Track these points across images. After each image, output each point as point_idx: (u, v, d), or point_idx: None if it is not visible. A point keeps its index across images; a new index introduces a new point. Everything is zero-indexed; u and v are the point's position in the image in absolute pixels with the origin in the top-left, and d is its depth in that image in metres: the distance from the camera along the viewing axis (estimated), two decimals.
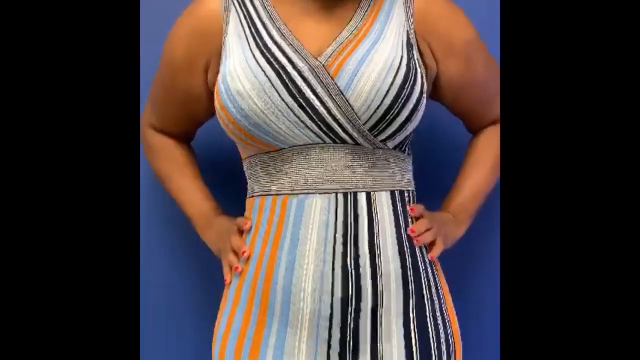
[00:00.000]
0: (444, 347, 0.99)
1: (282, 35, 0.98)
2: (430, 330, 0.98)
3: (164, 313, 1.27)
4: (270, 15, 1.00)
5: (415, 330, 0.97)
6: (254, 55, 0.96)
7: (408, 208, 1.01)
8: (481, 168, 1.12)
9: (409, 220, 1.01)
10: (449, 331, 1.01)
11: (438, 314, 1.00)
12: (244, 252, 1.00)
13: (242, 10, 1.01)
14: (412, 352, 0.96)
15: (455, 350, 1.01)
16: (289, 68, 0.95)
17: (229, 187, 1.13)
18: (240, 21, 1.01)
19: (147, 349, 1.25)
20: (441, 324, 1.00)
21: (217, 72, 1.00)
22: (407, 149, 1.04)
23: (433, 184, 1.11)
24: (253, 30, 0.99)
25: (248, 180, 1.05)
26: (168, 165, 1.14)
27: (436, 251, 1.03)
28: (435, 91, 1.07)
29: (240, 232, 1.03)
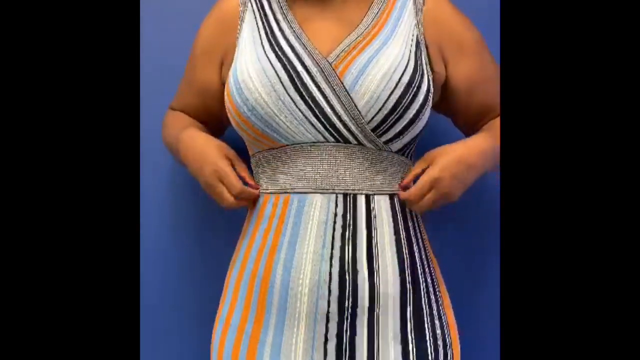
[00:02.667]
0: (440, 348, 0.98)
1: (294, 33, 1.01)
2: (427, 330, 0.98)
3: (164, 313, 1.27)
4: (285, 15, 1.03)
5: (412, 329, 0.97)
6: (264, 51, 0.99)
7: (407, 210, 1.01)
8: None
9: (408, 224, 1.01)
10: (446, 332, 1.00)
11: (436, 315, 1.00)
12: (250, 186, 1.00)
13: (257, 8, 1.05)
14: (409, 350, 0.96)
15: (452, 352, 1.00)
16: (297, 65, 0.97)
17: None
18: (256, 19, 1.04)
19: (147, 348, 1.25)
20: (438, 325, 1.00)
21: (230, 68, 1.02)
22: (410, 154, 1.04)
23: None
24: (267, 28, 1.03)
25: (254, 178, 1.05)
26: (171, 124, 1.14)
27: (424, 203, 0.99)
28: (446, 97, 1.07)
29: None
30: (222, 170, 0.99)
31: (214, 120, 1.12)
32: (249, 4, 1.06)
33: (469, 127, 1.12)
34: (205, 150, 1.01)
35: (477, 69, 1.05)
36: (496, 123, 1.07)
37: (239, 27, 1.05)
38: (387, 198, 1.00)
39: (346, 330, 0.95)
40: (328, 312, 0.95)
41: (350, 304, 0.95)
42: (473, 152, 0.99)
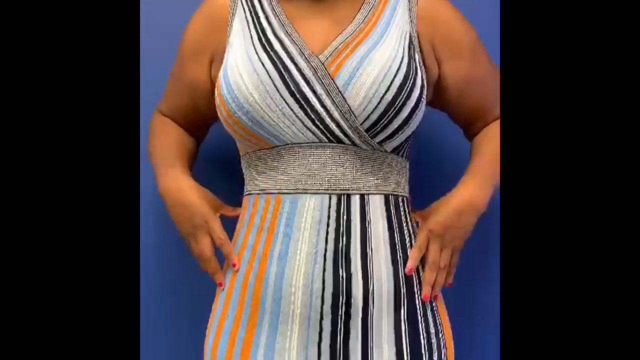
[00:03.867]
0: (435, 349, 0.98)
1: (286, 32, 0.99)
2: (421, 331, 0.98)
3: (164, 313, 1.28)
4: (275, 13, 1.01)
5: (406, 330, 0.97)
6: (255, 50, 0.98)
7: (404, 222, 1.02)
8: (494, 140, 1.05)
9: (402, 224, 1.01)
10: (440, 333, 1.00)
11: (430, 316, 0.99)
12: (234, 264, 1.01)
13: (248, 6, 1.04)
14: (403, 352, 0.96)
15: (446, 351, 1.00)
16: (289, 64, 0.96)
17: (226, 185, 1.14)
18: (246, 17, 1.03)
19: (147, 348, 1.25)
20: (433, 326, 0.99)
21: (221, 67, 1.01)
22: (405, 153, 1.04)
23: (428, 191, 1.10)
24: (257, 26, 1.01)
25: (245, 178, 1.05)
26: (159, 135, 1.13)
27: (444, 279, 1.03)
28: (437, 95, 1.06)
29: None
30: (211, 222, 1.02)
31: (202, 119, 1.11)
32: (239, 1, 1.04)
33: (464, 127, 1.12)
34: (193, 202, 1.03)
35: (470, 69, 1.04)
36: (493, 140, 1.05)
37: (229, 24, 1.03)
38: (381, 198, 0.99)
39: (340, 331, 0.95)
40: (322, 313, 0.94)
41: (344, 305, 0.95)
42: (469, 200, 1.01)
